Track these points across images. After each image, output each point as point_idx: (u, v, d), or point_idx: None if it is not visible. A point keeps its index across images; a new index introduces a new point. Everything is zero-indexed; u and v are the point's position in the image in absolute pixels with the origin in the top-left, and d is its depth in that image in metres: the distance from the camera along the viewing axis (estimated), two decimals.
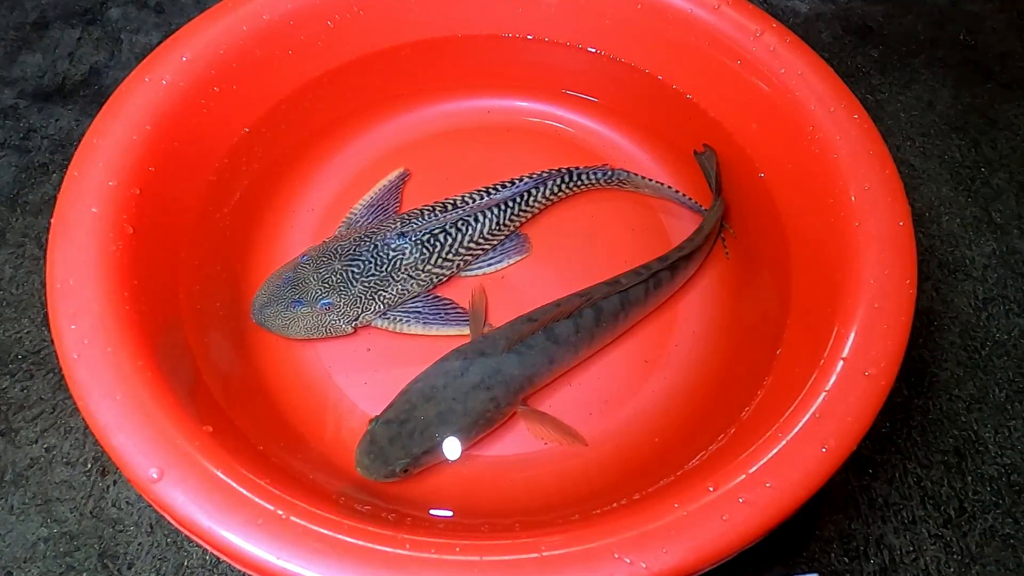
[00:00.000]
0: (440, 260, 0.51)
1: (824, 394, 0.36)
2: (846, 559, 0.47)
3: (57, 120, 0.65)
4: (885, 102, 0.68)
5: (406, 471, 0.43)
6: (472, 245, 0.52)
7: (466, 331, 0.49)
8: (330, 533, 0.32)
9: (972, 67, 0.70)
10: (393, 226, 0.51)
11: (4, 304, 0.55)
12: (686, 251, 0.50)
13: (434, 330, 0.50)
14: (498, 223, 0.52)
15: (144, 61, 0.46)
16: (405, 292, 0.50)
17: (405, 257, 0.50)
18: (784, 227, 0.48)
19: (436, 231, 0.51)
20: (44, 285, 0.38)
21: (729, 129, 0.53)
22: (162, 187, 0.44)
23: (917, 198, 0.62)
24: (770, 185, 0.50)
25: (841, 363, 0.37)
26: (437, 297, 0.52)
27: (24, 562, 0.46)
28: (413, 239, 0.50)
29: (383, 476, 0.43)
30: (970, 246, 0.60)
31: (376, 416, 0.45)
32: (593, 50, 0.57)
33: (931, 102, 0.67)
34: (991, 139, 0.65)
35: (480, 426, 0.45)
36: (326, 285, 0.48)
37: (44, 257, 0.39)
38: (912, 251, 0.40)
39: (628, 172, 0.56)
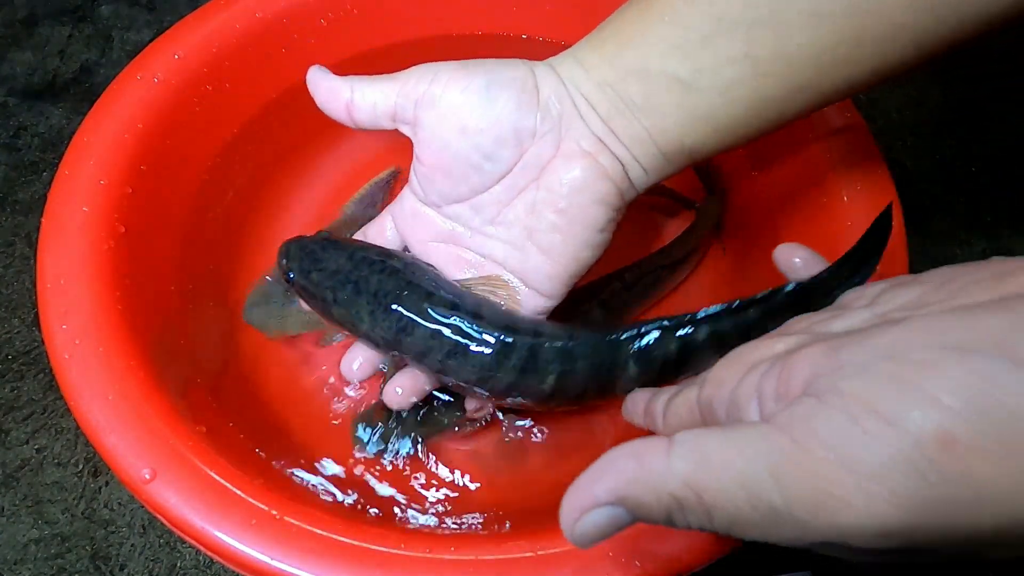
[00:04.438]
0: None
1: None
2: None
3: (47, 118, 0.64)
4: (877, 101, 0.68)
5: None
6: None
7: None
8: (324, 533, 0.32)
9: (962, 66, 0.70)
10: None
11: None
12: (680, 253, 0.50)
13: None
14: None
15: (136, 59, 0.46)
16: None
17: None
18: (778, 226, 0.48)
19: None
20: (35, 285, 0.38)
21: None
22: (154, 186, 0.44)
23: (909, 197, 0.62)
24: (763, 184, 0.50)
25: None
26: None
27: (15, 564, 0.46)
28: None
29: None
30: (961, 245, 0.60)
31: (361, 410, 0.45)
32: None
33: (922, 102, 0.68)
34: (981, 139, 0.66)
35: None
36: None
37: (35, 256, 0.39)
38: (904, 250, 0.41)
39: None
